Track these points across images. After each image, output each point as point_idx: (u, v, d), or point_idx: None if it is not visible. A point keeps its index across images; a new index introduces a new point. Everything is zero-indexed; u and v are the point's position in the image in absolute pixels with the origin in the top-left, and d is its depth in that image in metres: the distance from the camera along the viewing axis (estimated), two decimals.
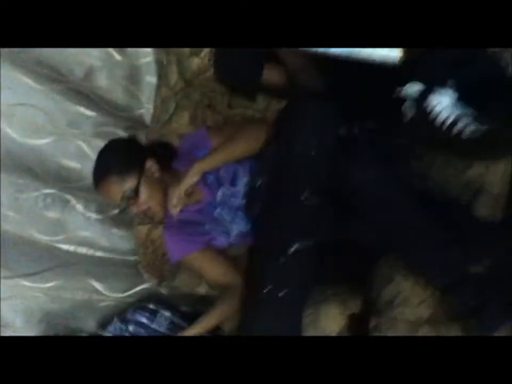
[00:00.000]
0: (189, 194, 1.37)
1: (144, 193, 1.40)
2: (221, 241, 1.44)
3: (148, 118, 1.73)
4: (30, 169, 1.50)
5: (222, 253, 1.47)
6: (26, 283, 1.44)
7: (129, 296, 1.63)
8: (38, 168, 1.52)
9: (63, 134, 1.54)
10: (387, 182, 1.13)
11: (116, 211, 1.52)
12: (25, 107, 1.47)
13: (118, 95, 1.66)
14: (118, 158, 1.44)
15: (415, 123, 1.20)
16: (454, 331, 1.13)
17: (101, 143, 1.59)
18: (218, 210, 1.41)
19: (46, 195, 1.52)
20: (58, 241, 1.55)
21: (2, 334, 1.43)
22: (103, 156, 1.45)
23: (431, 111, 1.17)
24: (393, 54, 1.05)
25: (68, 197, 1.56)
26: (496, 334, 1.06)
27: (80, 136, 1.57)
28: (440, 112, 1.15)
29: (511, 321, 1.07)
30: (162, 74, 1.64)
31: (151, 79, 1.71)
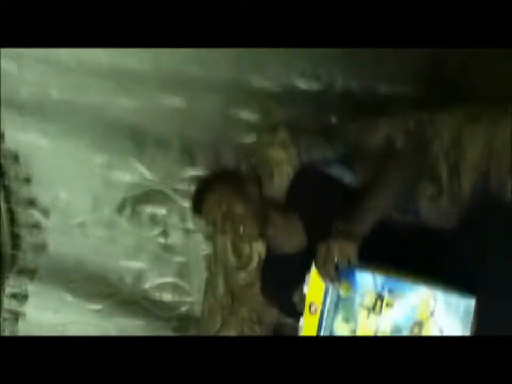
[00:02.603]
0: None
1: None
2: None
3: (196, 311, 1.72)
4: None
5: None
6: None
7: None
8: None
9: None
10: None
11: None
12: (77, 325, 1.52)
13: (167, 294, 1.67)
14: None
15: None
16: None
17: None
18: None
19: None
20: None
21: None
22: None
23: None
24: None
25: None
26: None
27: None
28: None
29: None
30: (209, 283, 1.61)
31: (201, 274, 1.70)
